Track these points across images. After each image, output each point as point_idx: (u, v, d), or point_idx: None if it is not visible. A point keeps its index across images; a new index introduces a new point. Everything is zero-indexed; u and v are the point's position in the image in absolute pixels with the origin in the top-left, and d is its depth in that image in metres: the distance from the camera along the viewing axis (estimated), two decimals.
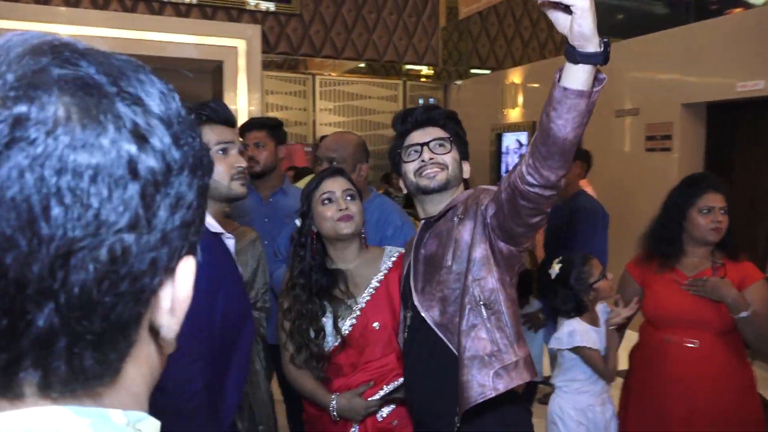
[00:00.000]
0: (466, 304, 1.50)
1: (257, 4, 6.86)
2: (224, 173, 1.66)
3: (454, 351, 1.52)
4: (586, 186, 3.93)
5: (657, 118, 5.17)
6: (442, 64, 7.77)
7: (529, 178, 1.32)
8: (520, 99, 6.63)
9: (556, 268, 2.34)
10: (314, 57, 7.18)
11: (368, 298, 1.82)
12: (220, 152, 1.67)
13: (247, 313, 1.73)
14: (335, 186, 1.85)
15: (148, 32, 6.38)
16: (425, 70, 7.85)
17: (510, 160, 6.72)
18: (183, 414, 1.46)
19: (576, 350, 2.23)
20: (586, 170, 3.93)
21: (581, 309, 2.28)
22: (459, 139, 1.70)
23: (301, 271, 1.84)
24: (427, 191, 1.64)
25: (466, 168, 1.72)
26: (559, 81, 1.20)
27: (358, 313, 1.80)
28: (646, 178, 5.23)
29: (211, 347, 1.56)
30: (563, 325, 2.29)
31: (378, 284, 1.84)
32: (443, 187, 1.63)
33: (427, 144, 1.64)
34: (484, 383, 1.45)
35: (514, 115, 6.69)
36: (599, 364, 2.22)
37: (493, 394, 1.45)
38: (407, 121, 1.71)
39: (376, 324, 1.78)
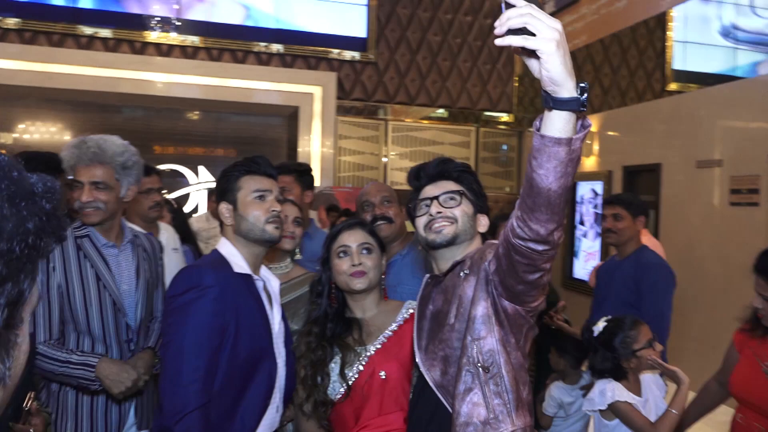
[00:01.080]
0: (464, 365, 1.42)
1: (340, 53, 7.12)
2: (260, 216, 1.80)
3: None
4: (645, 236, 3.66)
5: (743, 170, 4.82)
6: (520, 111, 7.69)
7: (519, 232, 1.25)
8: (596, 147, 6.41)
9: (600, 326, 2.20)
10: (388, 103, 7.31)
11: (379, 346, 1.78)
12: (258, 198, 1.82)
13: (266, 353, 1.77)
14: (351, 239, 1.85)
15: (232, 79, 6.77)
16: (505, 116, 7.79)
17: (584, 209, 6.47)
18: None
19: (612, 410, 2.05)
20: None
21: (618, 374, 2.10)
22: (474, 193, 1.64)
23: (316, 318, 1.83)
24: (435, 246, 1.58)
25: (484, 222, 1.64)
26: (539, 129, 1.14)
27: (366, 360, 1.76)
28: (731, 234, 4.86)
29: (222, 376, 1.67)
30: (595, 385, 2.12)
31: (391, 333, 1.80)
32: (450, 242, 1.57)
33: (436, 198, 1.60)
34: None
35: (589, 163, 6.47)
36: (639, 421, 2.01)
37: None
38: (420, 176, 1.67)
39: (382, 373, 1.73)
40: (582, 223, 6.50)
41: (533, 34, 1.02)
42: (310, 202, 2.95)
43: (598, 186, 6.21)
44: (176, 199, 5.54)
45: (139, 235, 2.30)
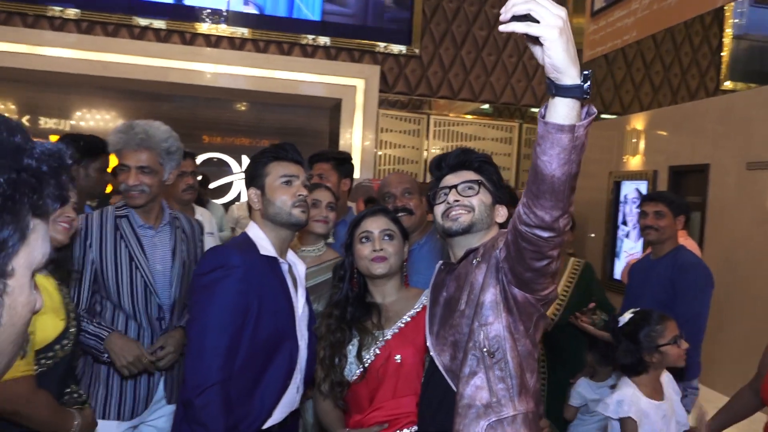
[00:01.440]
0: (470, 349, 1.45)
1: (386, 46, 7.15)
2: (287, 201, 1.85)
3: None
4: (681, 236, 3.56)
5: None
6: None
7: (525, 218, 1.26)
8: (642, 146, 6.25)
9: (626, 317, 2.16)
10: (430, 97, 7.30)
11: (396, 330, 1.83)
12: (285, 183, 1.87)
13: (288, 335, 1.82)
14: (374, 225, 1.89)
15: (277, 71, 6.88)
16: None
17: (628, 209, 6.32)
18: (194, 405, 1.63)
19: (621, 423, 2.01)
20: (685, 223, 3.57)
21: (640, 368, 2.06)
22: (493, 183, 1.66)
23: (337, 302, 1.88)
24: (450, 233, 1.61)
25: (502, 212, 1.66)
26: (543, 116, 1.14)
27: (383, 343, 1.81)
28: None
29: (243, 354, 1.73)
30: (618, 389, 2.08)
31: (408, 319, 1.84)
32: (466, 230, 1.59)
33: (455, 186, 1.63)
34: None
35: (634, 162, 6.32)
36: None
37: None
38: (441, 165, 1.70)
39: (397, 357, 1.78)
40: (625, 223, 6.36)
41: (538, 21, 1.03)
42: (348, 190, 2.99)
43: (643, 186, 6.06)
44: (217, 188, 5.65)
45: (179, 217, 2.38)
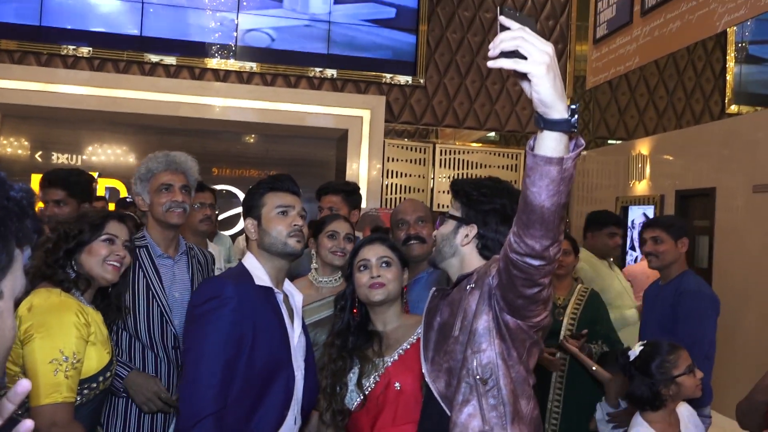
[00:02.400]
0: (463, 376, 1.45)
1: (393, 77, 7.26)
2: (283, 231, 1.86)
3: None
4: None
5: None
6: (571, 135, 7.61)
7: (516, 247, 1.28)
8: (648, 170, 6.25)
9: (636, 350, 2.14)
10: (436, 126, 7.37)
11: (396, 358, 1.84)
12: (281, 213, 1.89)
13: (283, 364, 1.83)
14: (371, 253, 1.92)
15: (285, 103, 7.00)
16: None
17: (635, 234, 6.30)
18: None
19: None
20: None
21: (657, 402, 2.02)
22: (472, 209, 1.64)
23: (339, 331, 1.90)
24: (431, 264, 1.67)
25: (469, 233, 1.65)
26: (532, 148, 1.17)
27: (383, 371, 1.81)
28: None
29: (239, 384, 1.73)
30: (631, 429, 2.04)
31: (408, 346, 1.85)
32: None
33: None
34: None
35: (641, 187, 6.31)
36: None
37: None
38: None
39: (397, 384, 1.78)
40: (633, 248, 6.33)
41: (525, 57, 1.06)
42: (356, 221, 3.01)
43: (650, 210, 6.05)
44: (225, 219, 5.70)
45: (193, 247, 2.43)
